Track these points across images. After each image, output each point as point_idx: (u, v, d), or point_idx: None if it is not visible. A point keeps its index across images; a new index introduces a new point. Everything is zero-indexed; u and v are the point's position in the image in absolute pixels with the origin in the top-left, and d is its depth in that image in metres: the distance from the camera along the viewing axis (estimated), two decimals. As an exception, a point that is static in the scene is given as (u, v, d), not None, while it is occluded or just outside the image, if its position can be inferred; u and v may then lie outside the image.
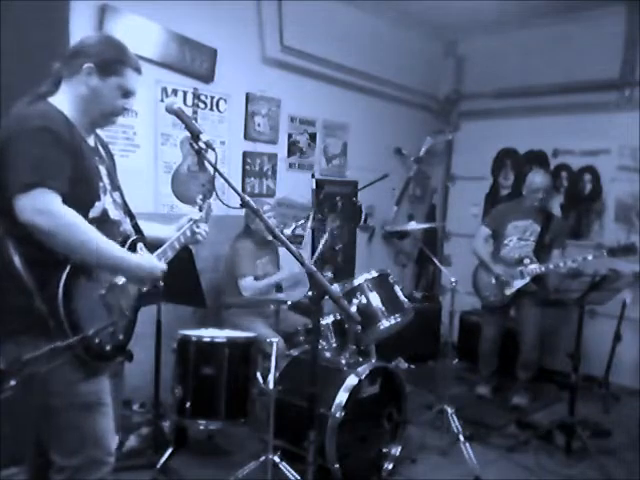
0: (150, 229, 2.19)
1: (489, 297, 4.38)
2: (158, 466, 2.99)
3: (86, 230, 1.71)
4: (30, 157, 1.67)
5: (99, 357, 1.81)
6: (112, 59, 1.87)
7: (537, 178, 4.32)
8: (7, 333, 1.72)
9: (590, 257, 3.97)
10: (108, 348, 1.82)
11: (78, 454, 1.82)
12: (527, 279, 4.20)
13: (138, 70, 1.93)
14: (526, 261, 4.21)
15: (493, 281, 4.32)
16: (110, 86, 1.87)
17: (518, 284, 4.22)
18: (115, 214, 1.93)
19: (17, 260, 1.69)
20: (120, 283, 1.85)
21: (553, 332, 5.01)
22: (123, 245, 1.92)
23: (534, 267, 4.17)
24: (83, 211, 1.77)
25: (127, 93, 1.91)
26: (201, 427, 3.14)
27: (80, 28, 3.12)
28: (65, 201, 1.69)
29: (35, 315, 1.66)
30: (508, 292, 4.26)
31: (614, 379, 4.55)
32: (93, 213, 1.83)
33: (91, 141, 1.92)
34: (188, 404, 2.99)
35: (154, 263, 1.93)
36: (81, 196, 1.79)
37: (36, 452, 1.96)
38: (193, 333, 3.09)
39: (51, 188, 1.66)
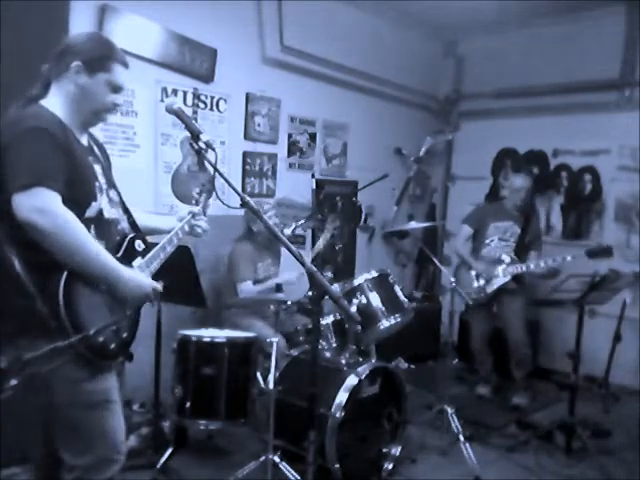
0: (151, 221, 2.20)
1: (470, 295, 4.40)
2: (158, 466, 2.99)
3: (82, 234, 1.71)
4: (28, 157, 1.67)
5: (104, 356, 1.81)
6: (99, 55, 1.87)
7: (518, 180, 4.48)
8: (7, 336, 1.71)
9: (569, 258, 3.99)
10: (112, 347, 1.82)
11: (88, 453, 1.82)
12: (507, 277, 4.24)
13: (125, 65, 1.93)
14: (507, 260, 4.25)
15: (474, 278, 4.36)
16: (99, 83, 1.86)
17: (499, 282, 4.26)
18: (111, 213, 1.93)
19: (17, 263, 1.68)
20: None
21: (549, 330, 5.02)
22: (121, 243, 1.92)
23: (514, 266, 4.22)
24: (80, 211, 1.77)
25: (116, 88, 1.91)
26: (201, 427, 3.14)
27: (80, 28, 3.12)
28: (62, 202, 1.69)
29: (36, 317, 1.66)
30: (489, 290, 4.30)
31: (614, 379, 4.55)
32: (89, 213, 1.83)
33: (84, 140, 1.92)
34: (188, 404, 2.99)
35: (145, 280, 1.90)
36: (78, 196, 1.78)
37: (44, 451, 1.95)
38: (193, 333, 3.09)
39: (50, 188, 1.66)
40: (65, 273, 1.69)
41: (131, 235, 1.97)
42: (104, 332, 1.77)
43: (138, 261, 1.95)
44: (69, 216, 1.68)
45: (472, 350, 4.63)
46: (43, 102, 1.83)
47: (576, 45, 4.99)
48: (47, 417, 1.83)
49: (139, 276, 1.89)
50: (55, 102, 1.84)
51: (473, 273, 4.37)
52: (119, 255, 1.88)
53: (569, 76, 5.03)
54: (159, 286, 1.93)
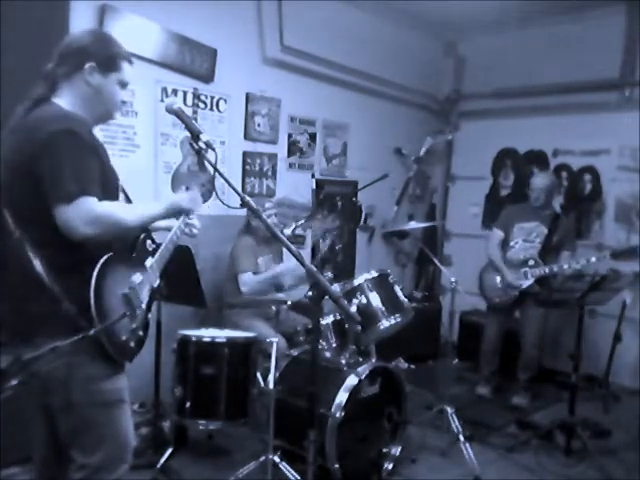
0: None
1: (494, 298, 4.39)
2: (158, 466, 2.99)
3: (126, 216, 1.79)
4: (67, 166, 1.67)
5: (126, 353, 1.84)
6: (110, 55, 1.89)
7: (536, 180, 4.41)
8: (27, 337, 1.71)
9: (593, 259, 4.00)
10: (133, 344, 1.86)
11: (99, 451, 1.83)
12: (531, 280, 4.22)
13: (130, 61, 1.97)
14: (530, 262, 4.23)
15: (499, 282, 4.34)
16: (111, 82, 1.89)
17: (522, 285, 4.24)
18: None
19: (37, 264, 1.69)
20: (138, 282, 1.87)
21: (556, 333, 5.01)
22: (134, 243, 1.94)
23: (538, 269, 4.19)
24: None
25: (124, 85, 1.95)
26: (201, 427, 3.13)
27: (80, 28, 3.10)
28: None
29: (60, 317, 1.67)
30: (513, 294, 4.28)
31: (614, 379, 4.55)
32: None
33: None
34: (188, 404, 2.99)
35: (182, 197, 2.02)
36: (105, 197, 1.79)
37: (48, 450, 1.96)
38: (193, 333, 3.09)
39: (91, 194, 1.69)
40: (96, 272, 1.70)
41: (142, 235, 1.98)
42: (124, 330, 1.80)
43: (149, 260, 1.97)
44: (109, 211, 1.74)
45: (482, 351, 4.59)
46: (56, 102, 1.83)
47: (576, 45, 4.99)
48: (64, 414, 1.83)
49: (177, 198, 2.03)
50: (68, 102, 1.84)
51: (498, 278, 4.34)
52: (133, 255, 1.91)
53: (569, 76, 5.03)
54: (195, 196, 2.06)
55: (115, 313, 1.75)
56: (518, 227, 4.40)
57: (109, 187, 1.83)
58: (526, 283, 4.23)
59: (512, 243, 4.41)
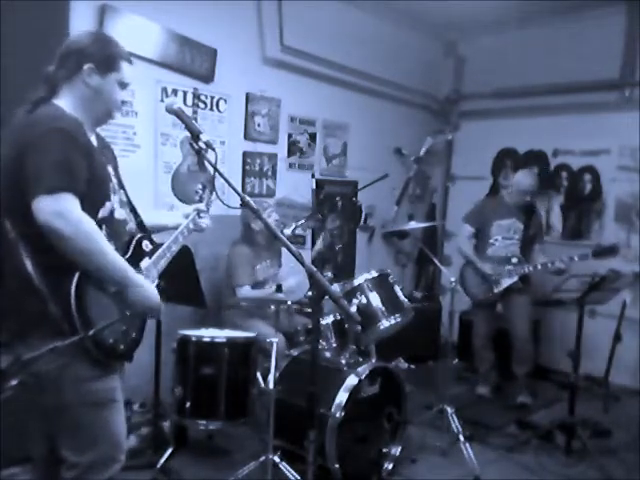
0: (157, 218, 2.21)
1: (477, 295, 4.40)
2: (158, 466, 3.00)
3: (100, 241, 1.72)
4: (52, 160, 1.67)
5: (114, 356, 1.84)
6: (109, 56, 1.89)
7: (525, 180, 4.39)
8: (19, 336, 1.73)
9: (576, 258, 4.01)
10: (122, 347, 1.84)
11: (90, 451, 1.83)
12: (515, 278, 4.24)
13: (130, 61, 1.97)
14: (514, 260, 4.24)
15: (480, 278, 4.35)
16: (110, 82, 1.89)
17: (506, 282, 4.26)
18: (121, 213, 1.95)
19: (29, 264, 1.69)
20: None
21: (550, 330, 5.03)
22: (129, 244, 1.93)
23: (522, 266, 4.23)
24: (94, 211, 1.79)
25: (124, 85, 1.95)
26: (201, 427, 3.14)
27: (80, 28, 3.11)
28: (81, 202, 1.70)
29: (48, 318, 1.67)
30: (496, 290, 4.29)
31: (614, 379, 4.55)
32: (103, 213, 1.84)
33: (94, 141, 1.93)
34: (188, 404, 2.99)
35: (154, 293, 1.89)
36: (95, 197, 1.80)
37: (46, 450, 1.96)
38: (193, 333, 3.09)
39: (73, 192, 1.67)
40: (77, 275, 1.69)
41: (139, 236, 1.98)
42: (113, 333, 1.78)
43: (146, 261, 1.96)
44: (88, 223, 1.69)
45: (473, 348, 4.63)
46: (56, 103, 1.83)
47: (576, 45, 4.99)
48: (54, 414, 1.83)
49: (149, 288, 1.88)
50: (68, 103, 1.84)
51: (480, 277, 4.35)
52: (127, 256, 1.89)
53: (569, 76, 5.03)
54: (162, 305, 1.93)
55: (101, 316, 1.74)
56: (496, 224, 4.40)
57: (97, 187, 1.81)
58: (510, 281, 4.24)
59: (492, 240, 4.41)
